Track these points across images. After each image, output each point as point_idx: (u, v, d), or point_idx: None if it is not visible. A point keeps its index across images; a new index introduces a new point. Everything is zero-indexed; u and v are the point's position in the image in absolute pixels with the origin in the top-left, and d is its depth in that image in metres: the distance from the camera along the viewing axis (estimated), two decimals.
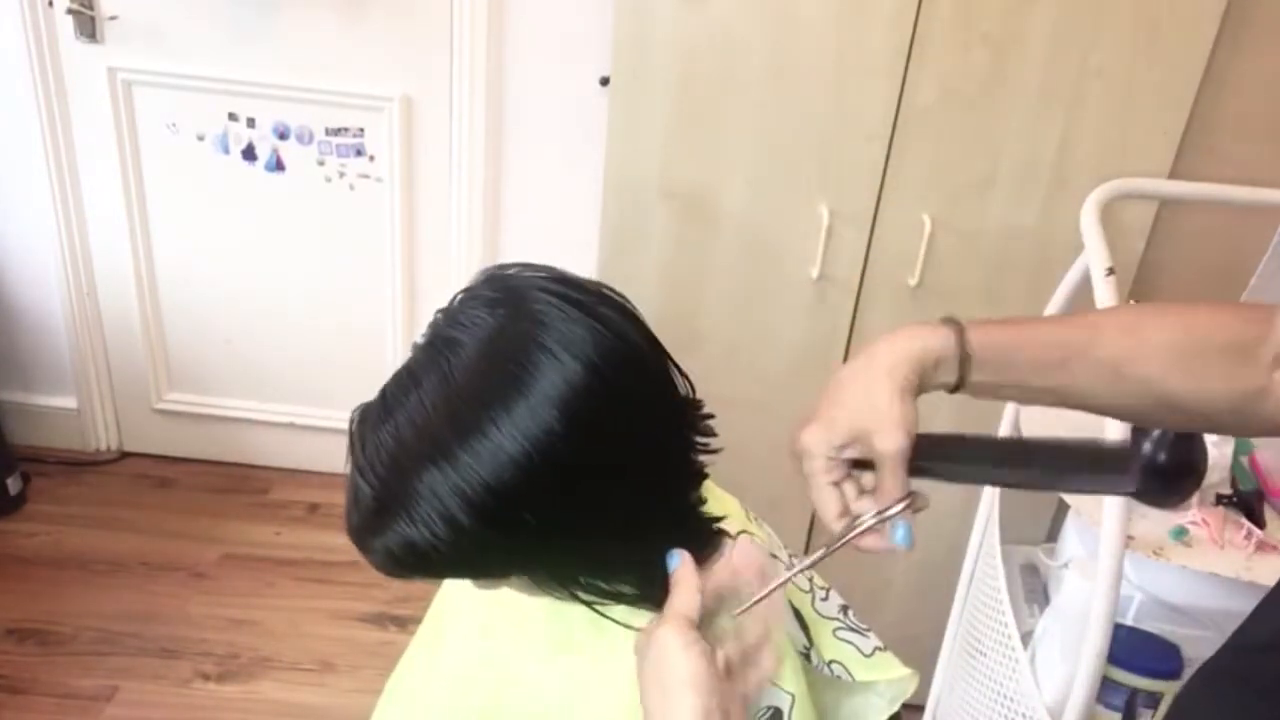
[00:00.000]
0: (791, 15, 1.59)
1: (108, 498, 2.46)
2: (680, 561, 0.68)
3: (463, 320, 0.68)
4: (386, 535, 0.65)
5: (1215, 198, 1.64)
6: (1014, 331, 0.75)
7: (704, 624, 0.65)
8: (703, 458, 0.75)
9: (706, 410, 0.75)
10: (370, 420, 0.67)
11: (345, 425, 0.70)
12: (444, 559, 0.66)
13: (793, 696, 0.78)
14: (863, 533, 0.68)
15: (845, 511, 0.69)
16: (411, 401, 0.66)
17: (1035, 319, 0.83)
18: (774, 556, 0.86)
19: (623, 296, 0.71)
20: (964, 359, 0.72)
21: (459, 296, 0.70)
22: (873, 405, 0.68)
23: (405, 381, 0.67)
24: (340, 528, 0.70)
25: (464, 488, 0.63)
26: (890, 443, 0.67)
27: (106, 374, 2.52)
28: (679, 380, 0.72)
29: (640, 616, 0.75)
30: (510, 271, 0.71)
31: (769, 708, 0.77)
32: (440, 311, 0.71)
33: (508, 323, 0.66)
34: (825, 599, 0.88)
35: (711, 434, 0.75)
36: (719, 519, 0.78)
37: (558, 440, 0.64)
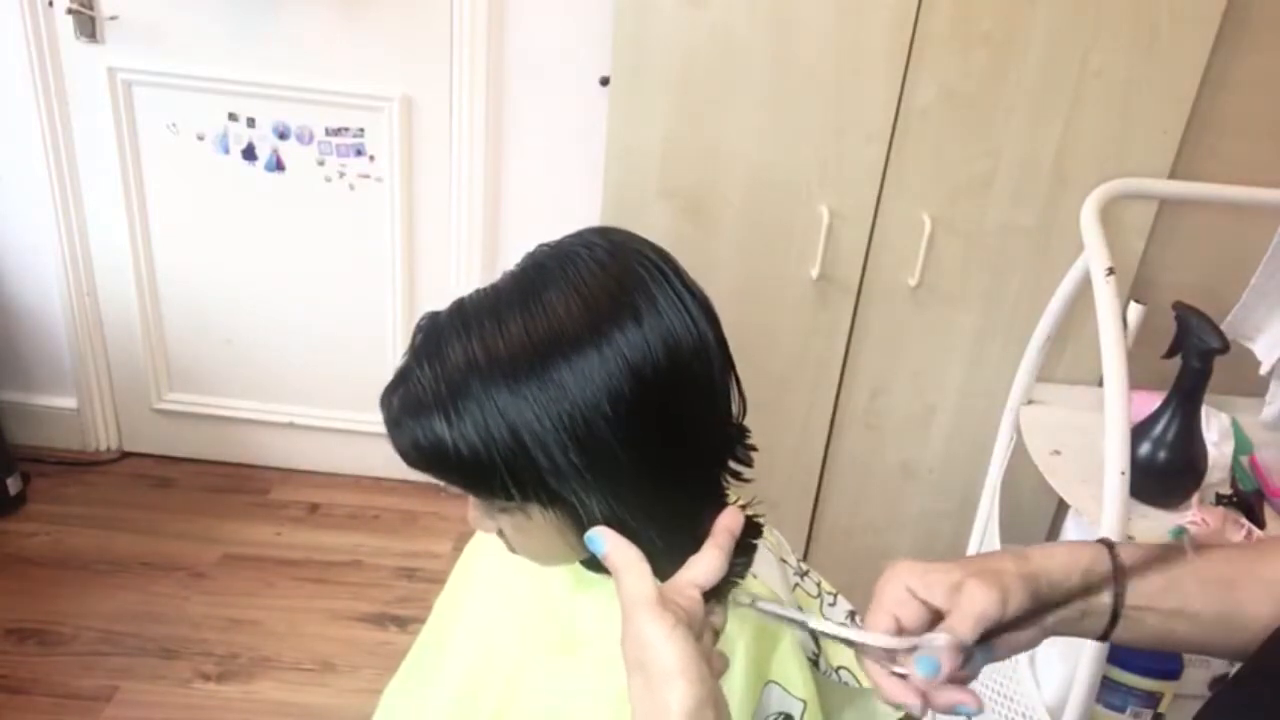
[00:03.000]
0: (791, 15, 1.59)
1: (108, 498, 2.46)
2: (609, 544, 0.63)
3: (562, 256, 0.69)
4: (420, 425, 0.67)
5: (1215, 198, 1.64)
6: (1164, 551, 0.69)
7: (709, 599, 0.63)
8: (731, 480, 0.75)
9: (750, 442, 0.75)
10: (443, 324, 0.69)
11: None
12: (466, 469, 0.67)
13: (804, 703, 0.77)
14: (893, 649, 0.63)
15: (898, 629, 0.64)
16: (490, 321, 0.67)
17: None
18: (783, 561, 0.86)
19: (710, 304, 0.72)
20: (1118, 570, 0.67)
21: (565, 237, 0.72)
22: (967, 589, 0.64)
23: (490, 300, 0.68)
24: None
25: (516, 416, 0.64)
26: (967, 629, 0.62)
27: (106, 374, 2.52)
28: (735, 402, 0.73)
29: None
30: (622, 233, 0.72)
31: (781, 714, 0.77)
32: (542, 244, 0.72)
33: (605, 273, 0.67)
34: (833, 604, 0.87)
35: (747, 463, 0.74)
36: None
37: (619, 399, 0.65)
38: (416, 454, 0.68)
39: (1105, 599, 0.67)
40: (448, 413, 0.66)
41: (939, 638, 0.61)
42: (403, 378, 0.69)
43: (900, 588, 0.65)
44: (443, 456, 0.67)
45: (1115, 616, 0.68)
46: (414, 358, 0.69)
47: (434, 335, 0.69)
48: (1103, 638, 0.69)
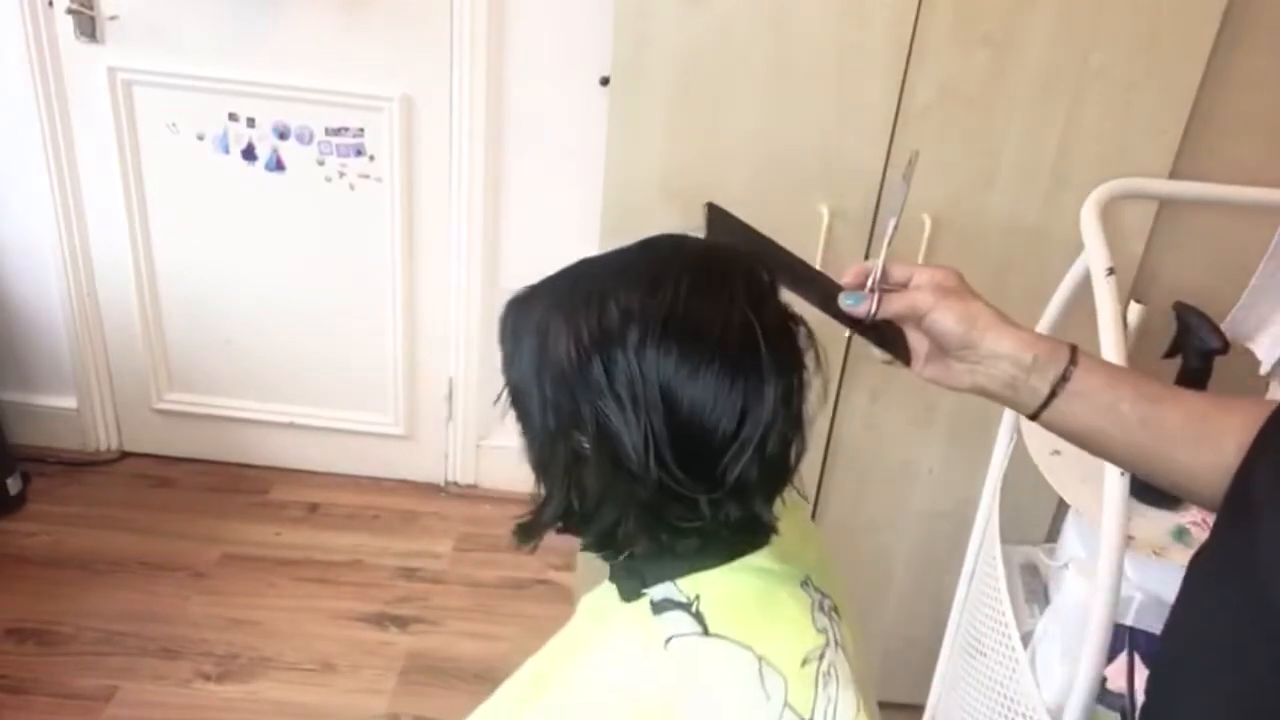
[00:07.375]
0: (791, 15, 1.59)
1: (108, 498, 2.46)
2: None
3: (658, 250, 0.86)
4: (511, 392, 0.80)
5: (1215, 198, 1.64)
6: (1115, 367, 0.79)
7: None
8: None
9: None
10: (516, 313, 0.80)
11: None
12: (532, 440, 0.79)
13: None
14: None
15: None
16: (559, 314, 0.77)
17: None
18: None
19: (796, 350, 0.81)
20: (1073, 356, 0.77)
21: (692, 236, 0.88)
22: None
23: (616, 264, 0.83)
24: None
25: (567, 405, 0.75)
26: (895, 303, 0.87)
27: (106, 374, 2.52)
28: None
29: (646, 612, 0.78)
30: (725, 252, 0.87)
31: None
32: (665, 235, 0.87)
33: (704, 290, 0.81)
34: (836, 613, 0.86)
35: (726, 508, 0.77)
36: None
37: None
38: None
39: (1047, 380, 0.76)
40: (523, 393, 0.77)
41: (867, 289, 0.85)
42: (505, 346, 0.80)
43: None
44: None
45: (1053, 395, 0.76)
46: (500, 339, 0.80)
47: (507, 322, 0.80)
48: (1033, 416, 0.78)
